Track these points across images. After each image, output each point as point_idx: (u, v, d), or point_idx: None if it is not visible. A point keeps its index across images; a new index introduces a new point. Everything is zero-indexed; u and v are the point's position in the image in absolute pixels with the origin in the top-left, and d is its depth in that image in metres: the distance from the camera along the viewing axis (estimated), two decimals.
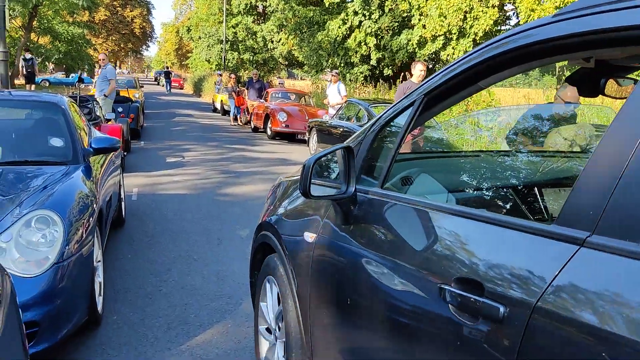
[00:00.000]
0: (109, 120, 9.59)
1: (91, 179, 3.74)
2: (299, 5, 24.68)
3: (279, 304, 2.39)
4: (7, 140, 4.00)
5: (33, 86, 18.66)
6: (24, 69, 18.33)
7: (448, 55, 16.78)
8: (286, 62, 42.98)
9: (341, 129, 10.08)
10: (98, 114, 9.12)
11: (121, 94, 13.79)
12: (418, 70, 7.75)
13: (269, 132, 14.50)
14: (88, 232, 3.13)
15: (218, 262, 4.67)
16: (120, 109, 12.39)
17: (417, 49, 17.63)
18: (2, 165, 3.59)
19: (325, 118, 13.73)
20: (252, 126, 16.15)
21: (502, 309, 1.15)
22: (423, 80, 4.36)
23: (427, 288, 1.41)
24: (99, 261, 3.53)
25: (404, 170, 2.11)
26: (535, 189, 2.20)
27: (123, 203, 5.75)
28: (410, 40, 17.62)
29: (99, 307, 3.35)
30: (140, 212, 6.19)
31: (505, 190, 2.22)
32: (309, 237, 2.08)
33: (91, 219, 3.24)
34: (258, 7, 41.33)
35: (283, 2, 25.51)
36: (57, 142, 3.93)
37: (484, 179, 2.44)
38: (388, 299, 1.58)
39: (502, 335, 1.15)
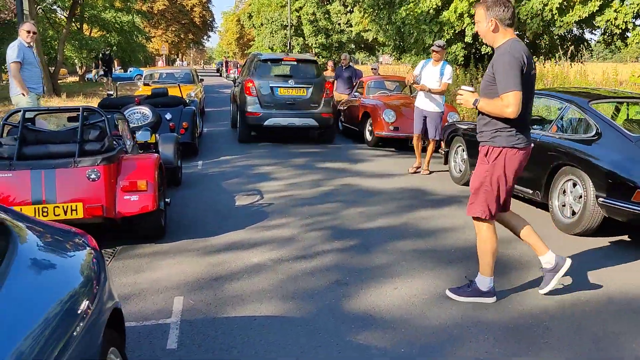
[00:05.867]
0: (142, 143, 5.91)
1: None
2: None
3: None
4: None
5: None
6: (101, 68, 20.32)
7: (609, 21, 12.20)
8: (353, 46, 38.80)
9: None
10: (120, 130, 5.38)
11: (171, 93, 10.14)
12: None
13: (369, 137, 10.58)
14: None
15: None
16: (168, 116, 8.76)
17: (557, 16, 13.12)
18: None
19: (455, 117, 9.64)
20: (341, 126, 12.28)
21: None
22: None
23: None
24: None
25: None
26: None
27: None
28: (547, 4, 13.10)
29: None
30: None
31: None
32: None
33: None
34: None
35: None
36: None
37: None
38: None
39: None
